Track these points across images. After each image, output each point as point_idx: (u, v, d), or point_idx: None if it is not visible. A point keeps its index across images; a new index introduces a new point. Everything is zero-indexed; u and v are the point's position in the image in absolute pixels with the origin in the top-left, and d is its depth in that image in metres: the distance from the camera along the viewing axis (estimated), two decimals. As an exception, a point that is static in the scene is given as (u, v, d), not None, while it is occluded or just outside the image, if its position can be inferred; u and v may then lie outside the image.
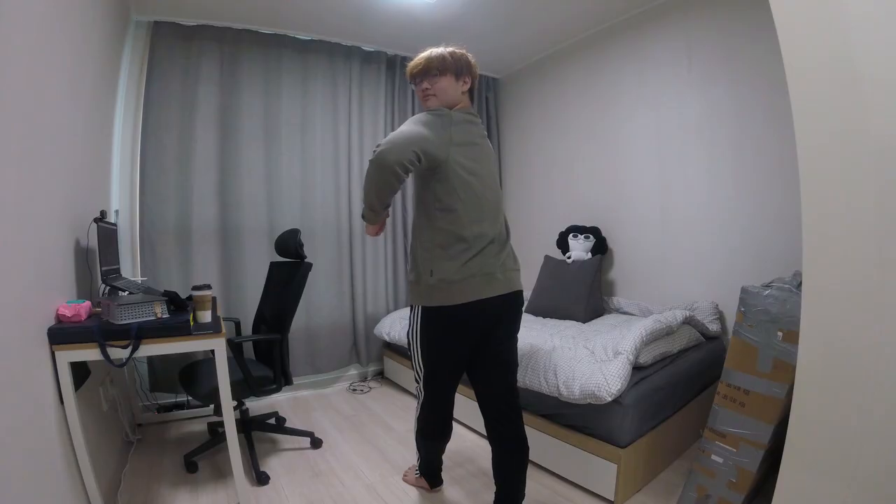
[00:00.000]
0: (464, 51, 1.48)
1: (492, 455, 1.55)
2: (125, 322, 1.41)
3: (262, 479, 1.84)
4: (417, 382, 1.57)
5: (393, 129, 3.16)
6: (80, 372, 1.47)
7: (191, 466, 1.93)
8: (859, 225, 0.98)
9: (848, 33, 0.96)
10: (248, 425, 2.11)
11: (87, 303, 1.47)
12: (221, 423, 1.81)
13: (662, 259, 2.59)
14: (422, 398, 1.57)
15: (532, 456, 1.95)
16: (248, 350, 2.44)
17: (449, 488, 1.80)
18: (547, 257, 2.96)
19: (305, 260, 2.08)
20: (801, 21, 1.03)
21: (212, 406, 2.03)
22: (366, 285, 3.10)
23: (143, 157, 2.47)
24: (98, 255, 1.75)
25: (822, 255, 1.04)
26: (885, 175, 0.93)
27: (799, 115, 1.04)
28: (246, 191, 2.72)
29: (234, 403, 1.85)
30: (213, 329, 1.52)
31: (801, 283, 1.09)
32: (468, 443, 2.17)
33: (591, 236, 2.80)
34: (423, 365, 1.51)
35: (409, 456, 2.05)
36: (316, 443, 2.18)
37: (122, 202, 2.44)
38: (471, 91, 1.51)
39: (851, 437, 1.01)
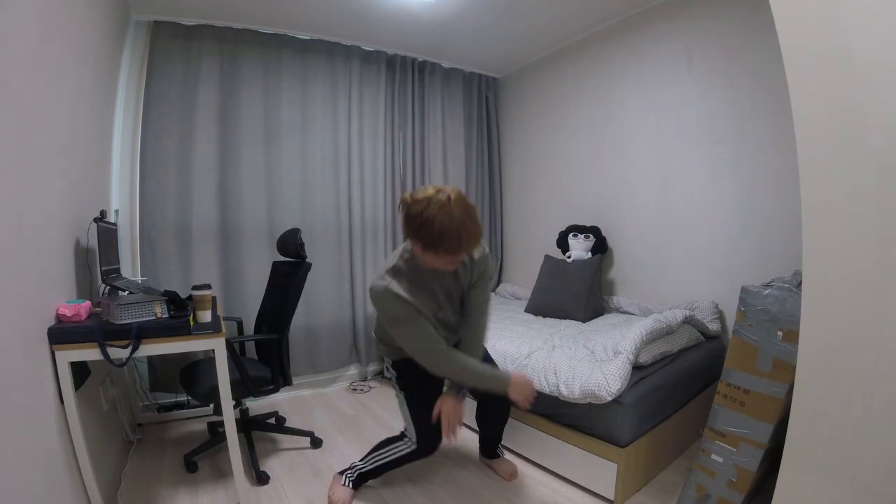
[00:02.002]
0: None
1: (476, 408, 1.87)
2: (125, 322, 1.41)
3: (262, 478, 1.85)
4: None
5: (392, 129, 3.21)
6: (80, 372, 1.47)
7: (191, 466, 1.93)
8: (859, 224, 0.98)
9: (848, 33, 0.96)
10: (247, 425, 2.11)
11: (87, 302, 1.47)
12: (221, 423, 1.83)
13: (662, 258, 2.59)
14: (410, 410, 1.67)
15: (532, 455, 1.97)
16: (252, 350, 2.43)
17: (449, 485, 1.81)
18: (547, 257, 2.97)
19: (306, 260, 2.08)
20: (801, 22, 1.03)
21: (212, 405, 2.03)
22: (366, 285, 3.09)
23: (143, 157, 2.46)
24: (98, 254, 1.75)
25: (822, 254, 1.04)
26: (885, 174, 0.93)
27: (799, 115, 1.04)
28: (246, 191, 2.72)
29: (233, 403, 1.84)
30: (212, 329, 1.52)
31: (801, 282, 1.09)
32: (468, 441, 2.17)
33: (591, 236, 2.80)
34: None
35: (410, 456, 2.05)
36: (316, 442, 2.18)
37: (122, 202, 2.44)
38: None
39: (851, 436, 1.01)
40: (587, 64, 2.98)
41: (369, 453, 1.76)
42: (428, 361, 1.47)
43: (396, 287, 1.39)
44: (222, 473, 1.91)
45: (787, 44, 1.04)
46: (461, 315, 1.62)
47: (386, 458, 1.70)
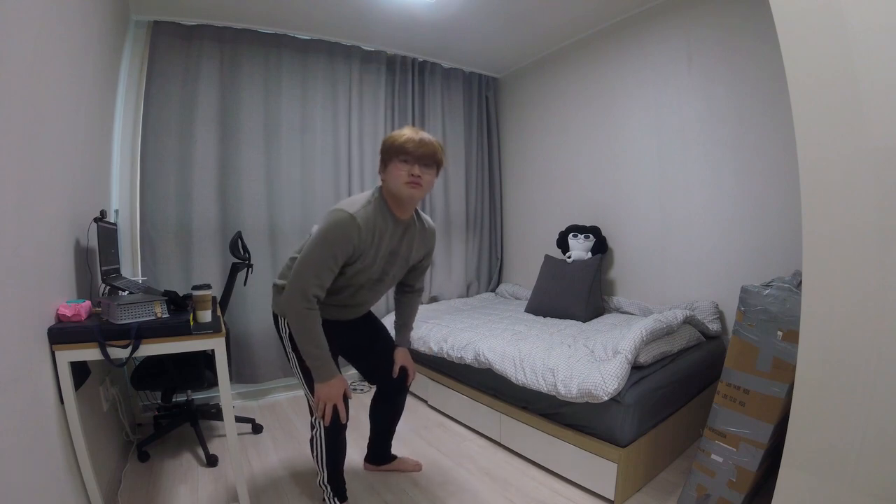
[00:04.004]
0: None
1: (374, 396, 1.84)
2: (125, 322, 1.41)
3: (211, 460, 1.98)
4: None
5: (393, 128, 3.20)
6: (80, 372, 1.47)
7: (143, 455, 2.02)
8: (859, 225, 0.98)
9: (848, 34, 0.96)
10: (193, 414, 2.20)
11: (88, 302, 1.47)
12: (163, 416, 2.25)
13: (662, 259, 2.59)
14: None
15: (532, 455, 1.97)
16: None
17: (449, 485, 1.81)
18: (547, 257, 2.97)
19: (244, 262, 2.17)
20: (801, 21, 1.03)
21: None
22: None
23: (143, 157, 2.47)
24: (98, 254, 1.75)
25: (822, 255, 1.04)
26: (884, 176, 0.93)
27: (799, 115, 1.04)
28: (246, 191, 2.72)
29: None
30: (212, 329, 1.52)
31: (801, 282, 1.09)
32: (468, 441, 2.17)
33: (591, 236, 2.80)
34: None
35: (410, 454, 2.05)
36: (257, 428, 2.31)
37: (122, 202, 2.44)
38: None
39: (851, 436, 1.02)
40: (587, 64, 2.98)
41: (315, 459, 1.60)
42: (295, 292, 1.36)
43: (361, 220, 1.35)
44: (222, 472, 1.91)
45: (787, 44, 1.05)
46: (389, 284, 1.61)
47: (323, 452, 1.55)
